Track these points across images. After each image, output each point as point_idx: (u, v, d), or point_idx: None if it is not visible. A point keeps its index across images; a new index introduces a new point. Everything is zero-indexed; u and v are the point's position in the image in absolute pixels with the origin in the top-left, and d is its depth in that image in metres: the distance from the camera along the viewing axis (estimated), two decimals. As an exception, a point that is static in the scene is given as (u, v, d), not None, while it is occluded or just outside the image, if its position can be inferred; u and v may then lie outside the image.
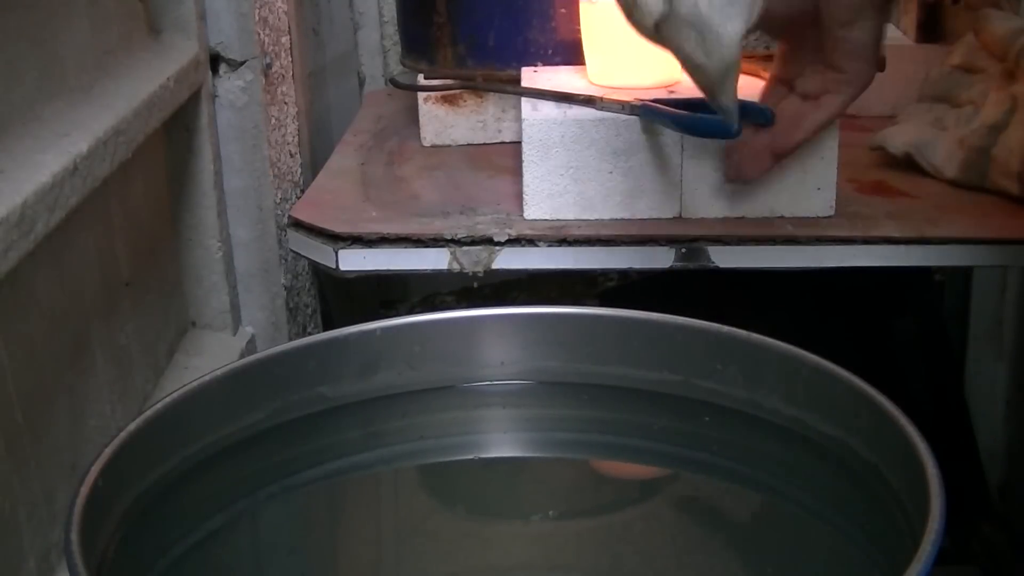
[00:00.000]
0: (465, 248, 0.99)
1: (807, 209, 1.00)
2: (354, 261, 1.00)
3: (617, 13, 0.97)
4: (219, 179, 1.04)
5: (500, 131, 1.22)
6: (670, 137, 0.98)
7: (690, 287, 1.30)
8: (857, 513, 0.74)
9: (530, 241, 0.99)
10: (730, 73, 0.80)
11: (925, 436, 0.66)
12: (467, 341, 0.85)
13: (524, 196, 1.01)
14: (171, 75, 0.91)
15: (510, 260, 0.99)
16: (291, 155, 1.13)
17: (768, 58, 1.00)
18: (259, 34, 1.05)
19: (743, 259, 0.98)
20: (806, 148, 0.98)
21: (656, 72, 1.06)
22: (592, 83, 1.09)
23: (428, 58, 1.21)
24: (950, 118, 1.09)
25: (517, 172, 1.03)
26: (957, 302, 1.51)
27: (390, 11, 1.50)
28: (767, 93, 0.92)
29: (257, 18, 1.05)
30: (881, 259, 0.98)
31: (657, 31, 0.79)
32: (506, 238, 0.99)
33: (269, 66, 1.07)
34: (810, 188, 1.00)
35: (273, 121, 1.08)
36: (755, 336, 0.80)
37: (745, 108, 0.87)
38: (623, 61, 1.06)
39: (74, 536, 0.61)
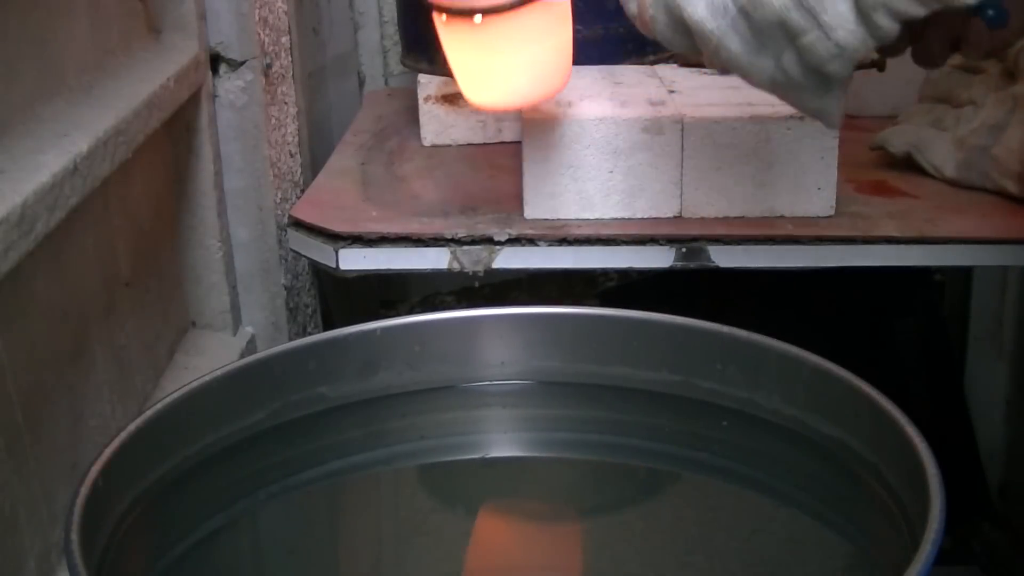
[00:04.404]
0: (465, 248, 0.99)
1: (807, 209, 1.00)
2: (354, 261, 1.00)
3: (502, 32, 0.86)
4: (219, 179, 1.04)
5: (500, 131, 1.22)
6: (670, 136, 0.98)
7: (690, 287, 1.30)
8: (857, 513, 0.74)
9: (530, 241, 0.99)
10: None
11: (925, 436, 0.66)
12: (467, 341, 0.85)
13: (524, 196, 1.01)
14: (171, 75, 0.91)
15: (510, 260, 0.99)
16: (291, 155, 1.13)
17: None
18: (259, 34, 1.05)
19: (743, 259, 0.98)
20: (806, 148, 0.98)
21: (543, 86, 0.92)
22: (473, 104, 0.94)
23: (428, 58, 1.21)
24: (950, 118, 1.09)
25: (517, 172, 1.03)
26: (957, 302, 1.51)
27: (390, 11, 1.50)
28: None
29: (257, 18, 1.05)
30: (881, 259, 0.98)
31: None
32: (506, 238, 0.99)
33: (269, 66, 1.07)
34: (810, 188, 1.00)
35: (273, 121, 1.08)
36: (755, 336, 0.80)
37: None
38: (503, 80, 0.91)
39: (74, 536, 0.61)
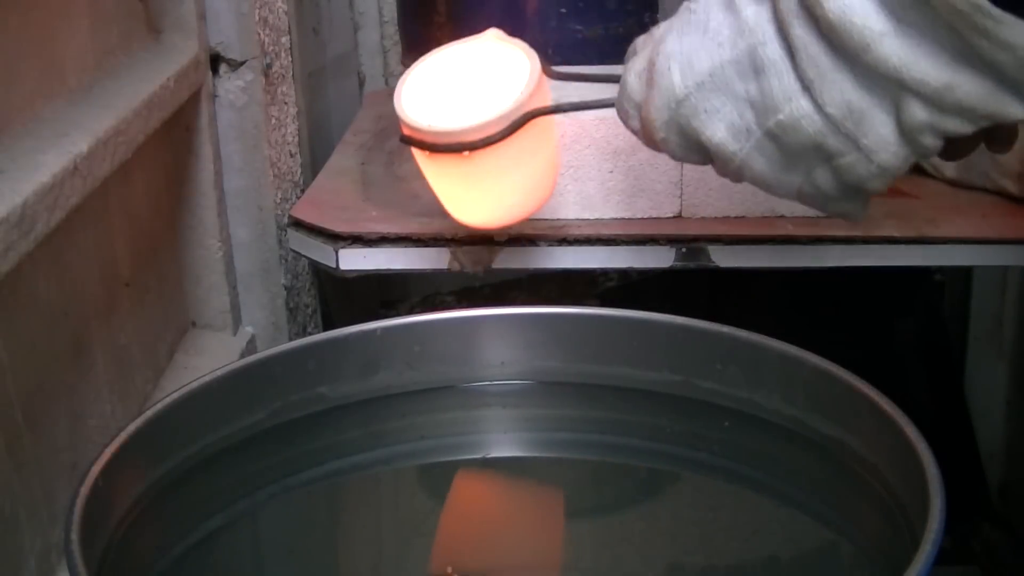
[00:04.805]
0: (465, 248, 0.99)
1: (807, 209, 0.99)
2: (354, 261, 1.00)
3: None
4: (219, 179, 1.04)
5: (500, 131, 1.22)
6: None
7: (690, 287, 1.30)
8: (857, 513, 0.74)
9: (530, 241, 0.99)
10: None
11: (925, 436, 0.66)
12: (467, 341, 0.85)
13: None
14: (171, 75, 0.91)
15: (510, 260, 0.99)
16: (291, 155, 1.13)
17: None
18: (259, 34, 1.05)
19: (743, 259, 0.98)
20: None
21: (536, 200, 0.91)
22: (462, 224, 0.92)
23: (428, 58, 1.21)
24: (950, 118, 1.09)
25: (517, 172, 1.03)
26: (957, 302, 1.51)
27: (390, 11, 1.50)
28: None
29: (257, 18, 1.05)
30: (881, 259, 0.98)
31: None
32: (506, 238, 0.99)
33: (269, 66, 1.07)
34: (810, 188, 0.99)
35: (273, 121, 1.08)
36: (755, 336, 0.80)
37: None
38: (496, 203, 0.89)
39: (74, 536, 0.61)
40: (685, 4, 0.72)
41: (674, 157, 0.73)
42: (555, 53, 1.17)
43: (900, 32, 0.60)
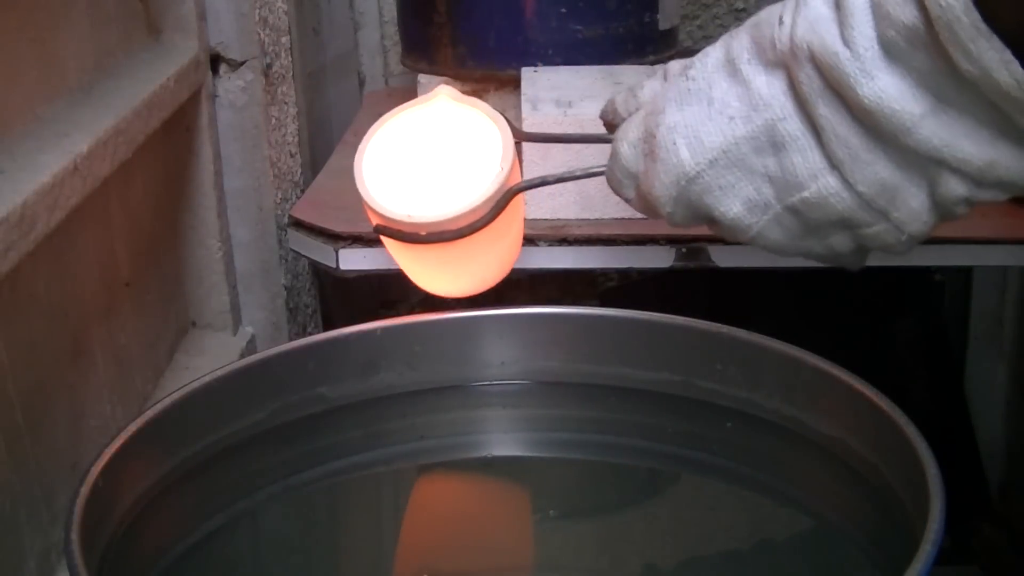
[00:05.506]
0: (465, 248, 0.99)
1: (807, 209, 1.00)
2: (354, 261, 1.00)
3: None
4: (219, 179, 1.04)
5: (500, 131, 1.22)
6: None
7: (690, 287, 1.30)
8: (857, 513, 0.74)
9: (530, 241, 0.99)
10: None
11: (925, 436, 0.66)
12: (467, 341, 0.85)
13: (524, 196, 1.01)
14: (171, 75, 0.91)
15: (510, 260, 0.99)
16: (291, 155, 1.13)
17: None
18: (259, 34, 1.05)
19: (743, 259, 0.98)
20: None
21: (509, 266, 0.87)
22: (433, 294, 0.87)
23: (428, 58, 1.21)
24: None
25: (517, 172, 1.03)
26: (957, 302, 1.51)
27: (390, 11, 1.50)
28: None
29: (257, 18, 1.05)
30: (881, 259, 0.98)
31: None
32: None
33: (269, 66, 1.07)
34: (810, 188, 0.99)
35: (273, 121, 1.08)
36: (755, 336, 0.80)
37: None
38: (472, 276, 0.84)
39: (74, 536, 0.61)
40: (679, 69, 0.69)
41: (674, 225, 0.71)
42: (555, 53, 1.17)
43: (939, 110, 0.58)
